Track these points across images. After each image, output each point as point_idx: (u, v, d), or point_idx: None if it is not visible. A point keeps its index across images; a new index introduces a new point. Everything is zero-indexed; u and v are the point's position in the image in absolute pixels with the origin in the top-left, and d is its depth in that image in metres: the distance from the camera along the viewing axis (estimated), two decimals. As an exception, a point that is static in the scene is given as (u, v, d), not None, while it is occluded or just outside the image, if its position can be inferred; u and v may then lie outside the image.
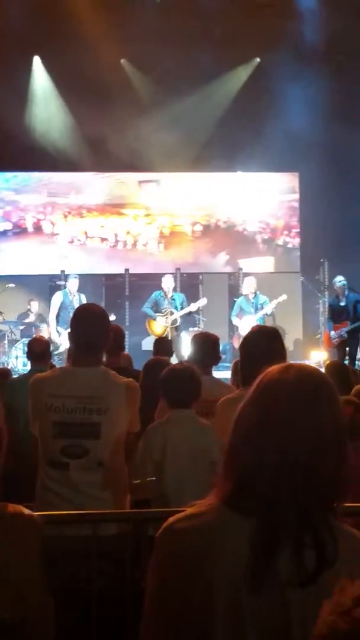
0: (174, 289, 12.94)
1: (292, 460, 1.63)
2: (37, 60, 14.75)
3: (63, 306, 12.54)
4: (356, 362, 12.24)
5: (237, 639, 1.59)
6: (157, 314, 12.66)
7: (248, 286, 12.67)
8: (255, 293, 12.56)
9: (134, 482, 4.12)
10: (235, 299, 13.33)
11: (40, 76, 14.83)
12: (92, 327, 3.80)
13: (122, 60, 14.83)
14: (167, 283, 12.73)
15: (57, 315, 12.60)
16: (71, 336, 3.99)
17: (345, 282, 12.28)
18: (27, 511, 1.79)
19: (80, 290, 12.93)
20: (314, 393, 1.70)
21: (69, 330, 4.15)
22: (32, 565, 1.76)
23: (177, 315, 12.41)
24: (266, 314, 12.42)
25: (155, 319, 12.62)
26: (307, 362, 12.81)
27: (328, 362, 7.00)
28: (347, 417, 1.92)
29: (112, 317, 12.33)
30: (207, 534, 1.66)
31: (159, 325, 12.61)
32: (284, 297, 12.72)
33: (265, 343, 3.69)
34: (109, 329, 3.95)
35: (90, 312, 4.08)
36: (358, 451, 3.98)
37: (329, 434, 1.68)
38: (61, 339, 12.21)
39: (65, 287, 13.11)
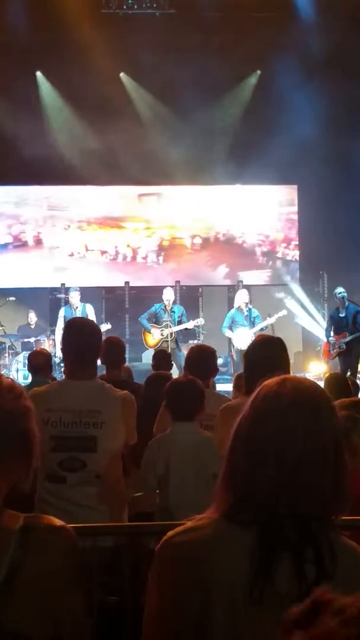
0: (174, 302, 12.94)
1: (291, 472, 1.64)
2: (39, 75, 14.84)
3: (65, 321, 12.52)
4: (358, 374, 12.23)
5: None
6: (154, 325, 12.66)
7: (241, 299, 12.60)
8: (248, 306, 12.52)
9: (134, 495, 4.13)
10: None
11: (42, 90, 14.91)
12: (82, 341, 3.81)
13: (122, 74, 14.92)
14: (168, 295, 12.72)
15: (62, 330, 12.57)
16: (62, 350, 4.00)
17: (345, 294, 12.28)
18: (60, 523, 1.73)
19: (82, 302, 12.92)
20: (310, 405, 1.71)
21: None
22: (67, 582, 1.68)
23: (173, 329, 12.39)
24: (263, 328, 12.35)
25: (149, 331, 12.63)
26: (306, 375, 12.88)
27: (328, 374, 6.97)
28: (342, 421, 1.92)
29: (107, 327, 12.38)
30: (206, 548, 1.65)
31: (153, 337, 12.60)
32: (284, 312, 12.71)
33: (270, 352, 3.70)
34: (100, 341, 3.95)
35: (79, 325, 4.10)
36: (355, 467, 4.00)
37: (326, 446, 1.68)
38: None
39: (67, 302, 13.11)
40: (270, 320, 12.47)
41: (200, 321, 12.92)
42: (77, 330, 3.94)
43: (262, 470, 1.65)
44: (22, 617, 1.58)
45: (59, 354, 12.29)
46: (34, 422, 1.84)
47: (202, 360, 5.21)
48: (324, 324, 14.24)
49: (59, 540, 1.70)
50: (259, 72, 15.01)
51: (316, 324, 15.07)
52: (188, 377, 4.47)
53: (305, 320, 15.17)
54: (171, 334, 12.37)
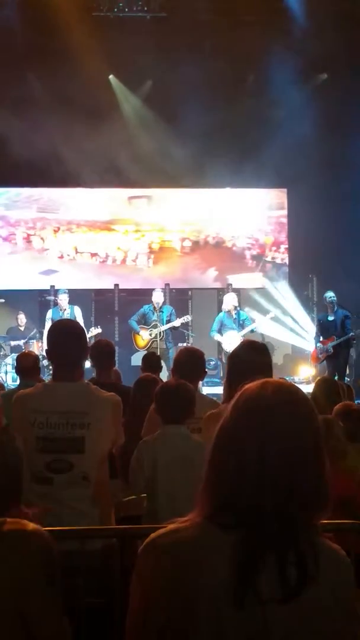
0: (164, 304, 12.96)
1: (273, 474, 1.65)
2: (30, 77, 14.80)
3: (53, 322, 12.50)
4: (345, 378, 12.27)
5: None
6: (143, 326, 12.67)
7: (229, 302, 12.62)
8: (236, 309, 12.54)
9: (124, 499, 4.13)
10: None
11: (33, 92, 14.87)
12: (67, 342, 3.79)
13: (111, 77, 14.92)
14: (157, 298, 12.74)
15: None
16: (48, 352, 4.00)
17: (334, 298, 12.31)
18: (31, 526, 1.69)
19: (70, 304, 12.90)
20: (291, 407, 1.72)
21: None
22: (39, 589, 1.65)
23: (162, 328, 12.41)
24: (251, 331, 12.38)
25: (138, 333, 12.64)
26: (295, 378, 12.92)
27: (318, 378, 6.97)
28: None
29: (98, 331, 12.39)
30: (188, 550, 1.66)
31: (142, 338, 12.62)
32: (271, 314, 12.75)
33: (253, 357, 3.71)
34: (85, 342, 3.95)
35: (64, 327, 4.09)
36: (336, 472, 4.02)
37: (308, 447, 1.70)
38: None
39: (56, 304, 13.10)
40: (258, 323, 12.49)
41: (187, 318, 12.93)
42: (62, 331, 3.93)
43: (244, 473, 1.66)
44: None
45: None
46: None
47: (190, 363, 5.20)
48: (310, 329, 14.29)
49: (29, 546, 1.67)
50: (251, 76, 15.03)
51: (302, 331, 15.08)
52: (178, 380, 4.47)
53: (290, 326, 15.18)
54: (160, 333, 12.39)
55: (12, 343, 13.69)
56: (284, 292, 15.35)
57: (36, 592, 1.64)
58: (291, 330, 14.88)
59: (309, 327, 14.66)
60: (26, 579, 1.63)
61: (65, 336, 3.85)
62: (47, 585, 1.67)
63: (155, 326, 12.48)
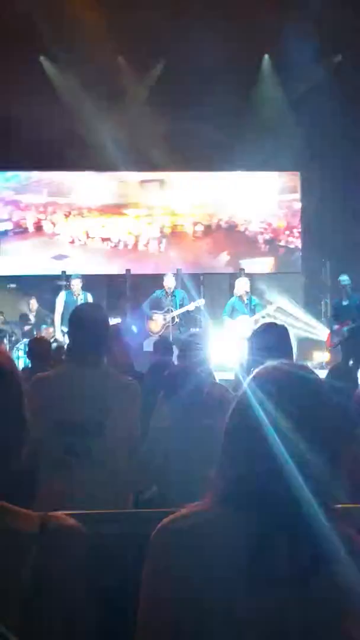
0: (175, 288, 12.92)
1: (287, 457, 1.65)
2: (43, 60, 14.77)
3: (66, 306, 12.53)
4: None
5: (231, 636, 1.59)
6: (155, 311, 12.65)
7: (241, 287, 12.55)
8: (248, 294, 12.48)
9: (142, 498, 4.09)
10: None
11: (45, 75, 14.84)
12: (89, 327, 3.79)
13: (120, 58, 14.82)
14: (169, 282, 12.72)
15: (62, 315, 12.58)
16: (70, 336, 3.98)
17: (349, 282, 12.24)
18: (73, 521, 1.70)
19: (83, 290, 12.88)
20: (305, 389, 1.74)
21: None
22: (81, 583, 1.65)
23: (175, 313, 12.40)
24: (264, 316, 12.29)
25: (152, 318, 12.61)
26: (309, 363, 12.84)
27: (332, 364, 6.94)
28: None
29: (117, 320, 12.36)
30: (201, 534, 1.66)
31: (156, 323, 12.60)
32: (284, 300, 12.67)
33: (272, 340, 3.69)
34: (107, 328, 3.95)
35: (88, 311, 4.08)
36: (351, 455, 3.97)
37: (321, 431, 1.70)
38: (66, 339, 12.18)
39: (68, 288, 13.08)
40: (270, 309, 12.42)
41: (201, 302, 12.91)
42: (83, 317, 3.93)
43: (257, 457, 1.67)
44: (44, 625, 1.56)
45: (60, 339, 12.31)
46: (26, 404, 1.75)
47: (192, 349, 5.18)
48: (327, 313, 14.21)
49: (77, 542, 1.66)
50: (266, 56, 14.93)
51: (319, 313, 15.00)
52: (186, 365, 4.44)
53: (307, 309, 15.11)
54: (173, 318, 12.36)
55: (24, 329, 13.70)
56: (296, 277, 15.32)
57: (81, 585, 1.65)
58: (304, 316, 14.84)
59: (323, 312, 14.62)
60: (75, 573, 1.64)
61: (87, 321, 3.85)
62: (87, 578, 1.68)
63: (168, 311, 12.45)
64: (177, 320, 12.48)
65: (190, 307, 12.57)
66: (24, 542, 1.59)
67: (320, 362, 13.23)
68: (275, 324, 4.38)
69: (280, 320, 12.81)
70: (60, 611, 1.58)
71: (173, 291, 12.65)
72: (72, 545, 1.64)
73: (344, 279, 12.30)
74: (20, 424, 1.70)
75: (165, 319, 12.49)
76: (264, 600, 1.59)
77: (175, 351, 9.01)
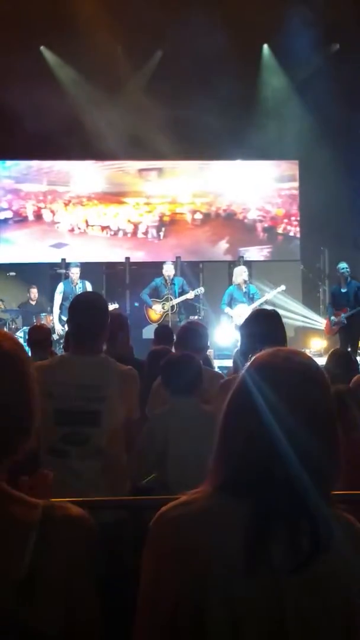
0: (174, 276, 12.91)
1: (284, 444, 1.64)
2: (43, 49, 14.73)
3: (65, 295, 12.52)
4: (358, 350, 12.23)
5: (231, 626, 1.59)
6: (155, 300, 12.66)
7: (239, 275, 12.53)
8: (246, 282, 12.47)
9: (143, 482, 4.11)
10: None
11: (46, 64, 14.80)
12: (89, 315, 3.80)
13: (119, 48, 14.78)
14: (168, 270, 12.71)
15: (61, 305, 12.59)
16: (69, 324, 3.99)
17: (347, 269, 12.24)
18: (78, 512, 1.67)
19: (81, 278, 12.88)
20: (302, 376, 1.72)
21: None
22: (83, 574, 1.62)
23: (175, 301, 12.39)
24: (262, 304, 12.28)
25: (151, 307, 12.61)
26: (307, 351, 12.86)
27: (331, 350, 6.94)
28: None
29: (115, 306, 12.37)
30: (200, 521, 1.65)
31: (156, 312, 12.61)
32: (282, 287, 12.64)
33: (265, 326, 3.68)
34: (107, 316, 3.93)
35: (88, 300, 4.09)
36: (350, 441, 4.00)
37: (318, 417, 1.69)
38: (65, 328, 12.20)
39: (67, 277, 13.09)
40: (268, 296, 12.42)
41: (200, 290, 12.90)
42: (83, 305, 3.93)
43: (255, 441, 1.66)
44: (41, 615, 1.54)
45: (58, 329, 12.32)
46: (34, 389, 1.76)
47: (191, 337, 5.20)
48: (325, 300, 14.22)
49: (79, 533, 1.64)
50: (265, 45, 14.88)
51: (317, 300, 15.01)
52: (184, 352, 4.45)
53: (306, 296, 15.12)
54: (173, 306, 12.36)
55: (24, 316, 13.70)
56: (294, 264, 15.31)
57: (82, 577, 1.63)
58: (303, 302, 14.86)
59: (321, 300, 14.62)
60: (76, 565, 1.61)
61: (87, 310, 3.85)
62: (90, 570, 1.66)
63: (168, 299, 12.45)
64: (176, 308, 12.48)
65: (190, 295, 12.55)
66: (24, 529, 1.58)
67: (318, 349, 13.26)
68: (265, 310, 4.34)
69: (279, 307, 12.86)
70: (60, 599, 1.57)
71: (172, 279, 12.64)
72: (76, 536, 1.62)
73: (343, 266, 12.30)
74: (26, 409, 1.70)
75: (164, 308, 12.50)
76: (263, 586, 1.59)
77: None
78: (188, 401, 4.14)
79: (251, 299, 12.19)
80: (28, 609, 1.53)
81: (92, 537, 1.67)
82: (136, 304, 13.29)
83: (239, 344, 4.93)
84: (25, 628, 1.52)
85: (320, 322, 13.86)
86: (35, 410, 1.73)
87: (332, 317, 12.28)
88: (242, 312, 11.92)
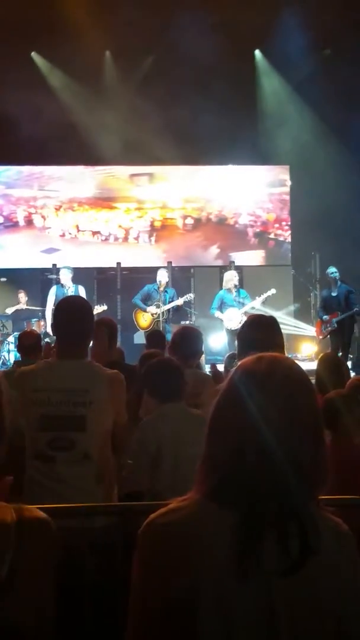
0: (167, 284, 12.87)
1: (270, 449, 1.63)
2: (34, 55, 14.75)
3: (57, 300, 12.47)
4: (349, 355, 12.25)
5: (223, 631, 1.59)
6: (146, 306, 12.63)
7: (230, 280, 12.53)
8: (237, 287, 12.47)
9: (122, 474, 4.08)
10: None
11: (37, 70, 14.81)
12: (74, 319, 3.77)
13: (107, 53, 14.80)
14: (162, 276, 12.64)
15: (52, 309, 12.53)
16: (53, 329, 3.97)
17: (337, 273, 12.27)
18: (43, 515, 1.71)
19: (74, 283, 12.84)
20: (287, 380, 1.72)
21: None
22: (48, 573, 1.67)
23: (164, 308, 12.34)
24: (253, 308, 12.27)
25: (145, 311, 12.57)
26: (298, 355, 12.88)
27: (322, 354, 6.93)
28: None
29: (103, 308, 12.33)
30: (189, 528, 1.65)
31: (145, 319, 12.57)
32: (272, 291, 12.63)
33: (261, 333, 3.67)
34: (92, 321, 3.91)
35: (72, 304, 4.06)
36: (338, 443, 4.00)
37: (303, 422, 1.68)
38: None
39: (59, 281, 13.06)
40: (259, 300, 12.41)
41: (190, 296, 12.86)
42: (68, 308, 3.90)
43: (241, 448, 1.66)
44: (19, 613, 1.57)
45: (51, 334, 12.28)
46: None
47: (186, 342, 5.18)
48: (316, 305, 14.24)
49: (49, 534, 1.68)
50: (257, 51, 14.92)
51: (308, 305, 15.02)
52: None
53: (297, 300, 15.14)
54: (163, 313, 12.33)
55: (14, 321, 13.68)
56: (286, 268, 15.33)
57: (48, 577, 1.67)
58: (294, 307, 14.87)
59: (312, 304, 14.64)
60: (45, 564, 1.66)
61: (71, 313, 3.82)
62: (53, 569, 1.70)
63: (158, 306, 12.40)
64: (166, 315, 12.43)
65: (180, 301, 12.53)
66: (2, 529, 1.61)
67: (309, 354, 13.28)
68: (262, 316, 4.33)
69: (275, 307, 12.85)
70: (33, 604, 1.60)
71: (165, 288, 12.57)
72: (46, 537, 1.66)
73: (332, 270, 12.34)
74: None
75: (153, 315, 12.45)
76: (254, 590, 1.59)
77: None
78: (175, 405, 4.11)
79: (241, 303, 12.19)
80: (7, 608, 1.56)
81: (57, 539, 1.70)
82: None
83: (231, 348, 4.93)
84: (4, 625, 1.55)
85: (310, 330, 13.87)
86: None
87: (325, 317, 12.27)
88: (233, 315, 11.93)
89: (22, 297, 13.97)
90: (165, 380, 4.12)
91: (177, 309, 12.58)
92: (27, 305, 13.91)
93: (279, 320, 4.00)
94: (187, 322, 13.00)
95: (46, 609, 1.65)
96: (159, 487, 3.89)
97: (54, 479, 3.49)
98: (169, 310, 12.42)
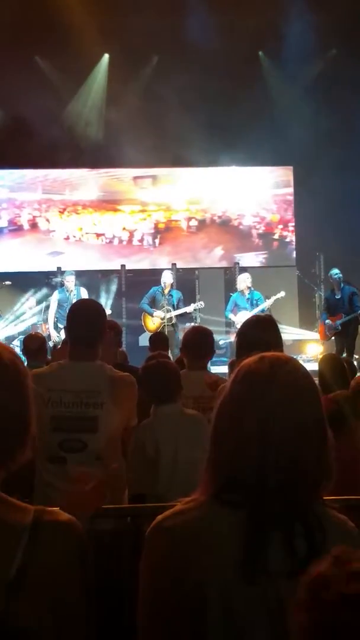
0: (172, 286, 12.87)
1: (275, 450, 1.64)
2: (38, 59, 14.77)
3: (60, 303, 12.50)
4: (354, 355, 12.23)
5: (231, 632, 1.59)
6: (154, 310, 12.61)
7: (243, 281, 12.55)
8: (250, 289, 12.47)
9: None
10: (231, 294, 13.20)
11: (39, 74, 14.82)
12: (87, 322, 3.80)
13: (111, 55, 14.81)
14: (166, 278, 12.61)
15: (56, 312, 12.57)
16: (67, 331, 3.98)
17: (340, 275, 12.25)
18: (67, 517, 1.69)
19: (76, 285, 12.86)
20: (290, 379, 1.72)
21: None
22: (72, 577, 1.64)
23: (173, 314, 12.32)
24: (262, 310, 12.25)
25: (152, 315, 12.56)
26: (303, 356, 12.85)
27: (323, 355, 6.93)
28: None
29: (108, 312, 12.32)
30: (196, 530, 1.66)
31: (154, 322, 12.56)
32: (282, 293, 12.59)
33: (259, 334, 3.68)
34: (105, 323, 3.93)
35: (86, 306, 4.09)
36: (342, 443, 4.00)
37: (308, 422, 1.69)
38: (60, 335, 12.19)
39: (62, 285, 13.08)
40: (268, 302, 12.41)
41: (200, 304, 12.86)
42: (83, 311, 3.93)
43: (246, 449, 1.66)
44: (29, 614, 1.56)
45: (53, 336, 12.30)
46: (31, 399, 1.76)
47: (199, 342, 5.18)
48: (321, 306, 14.23)
49: (68, 537, 1.66)
50: (260, 52, 14.93)
51: (312, 306, 15.01)
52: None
53: (301, 301, 15.13)
54: (171, 318, 12.31)
55: (21, 324, 13.70)
56: (290, 270, 15.32)
57: (69, 581, 1.65)
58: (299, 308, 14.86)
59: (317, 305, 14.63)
60: (64, 567, 1.63)
61: (86, 316, 3.85)
62: (79, 574, 1.67)
63: (167, 310, 12.36)
64: (173, 320, 12.42)
65: (190, 309, 12.50)
66: (16, 532, 1.60)
67: (314, 355, 13.26)
68: (259, 315, 4.33)
69: (282, 309, 12.83)
70: (49, 605, 1.59)
71: (169, 291, 12.55)
72: (65, 540, 1.64)
73: (335, 272, 12.31)
74: (24, 419, 1.71)
75: (162, 319, 12.44)
76: (262, 592, 1.59)
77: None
78: (172, 407, 4.11)
79: (254, 305, 12.20)
80: (15, 609, 1.54)
81: (80, 542, 1.68)
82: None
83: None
84: (12, 627, 1.54)
85: (315, 334, 13.84)
86: (32, 420, 1.73)
87: (327, 323, 12.25)
88: (244, 318, 11.88)
89: (31, 302, 14.01)
90: (162, 382, 4.13)
91: (186, 314, 12.59)
92: (33, 309, 13.94)
93: (285, 319, 3.99)
94: (192, 324, 12.97)
95: (66, 612, 1.62)
96: (159, 489, 3.90)
97: (65, 480, 3.48)
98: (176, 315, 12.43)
